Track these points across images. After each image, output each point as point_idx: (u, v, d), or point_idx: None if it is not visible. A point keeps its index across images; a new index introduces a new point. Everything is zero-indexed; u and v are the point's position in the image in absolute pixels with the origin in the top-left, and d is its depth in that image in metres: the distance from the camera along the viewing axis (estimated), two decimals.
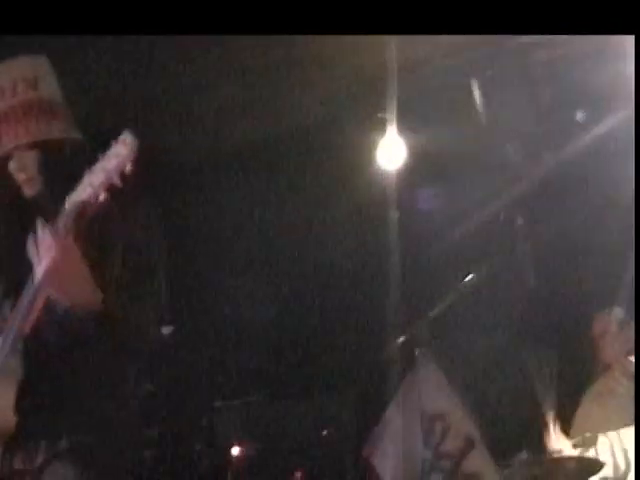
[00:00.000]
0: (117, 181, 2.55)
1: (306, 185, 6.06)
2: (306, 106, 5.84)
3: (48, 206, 2.83)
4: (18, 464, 2.83)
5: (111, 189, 2.58)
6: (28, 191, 2.95)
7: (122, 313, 2.78)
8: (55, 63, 3.04)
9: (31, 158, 2.91)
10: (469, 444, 4.78)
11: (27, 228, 2.85)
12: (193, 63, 5.22)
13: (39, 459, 2.82)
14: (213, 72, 5.36)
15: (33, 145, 2.90)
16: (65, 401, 2.83)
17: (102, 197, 2.58)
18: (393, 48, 5.05)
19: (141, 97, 5.51)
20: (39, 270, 2.68)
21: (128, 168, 2.53)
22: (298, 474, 5.52)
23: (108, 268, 2.87)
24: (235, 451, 5.52)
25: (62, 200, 2.75)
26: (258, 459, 5.57)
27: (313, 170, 5.95)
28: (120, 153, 2.55)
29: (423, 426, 4.83)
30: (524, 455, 4.54)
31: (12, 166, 2.93)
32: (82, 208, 2.64)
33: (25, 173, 2.93)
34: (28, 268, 2.74)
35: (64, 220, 2.66)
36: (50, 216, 2.79)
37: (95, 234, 2.84)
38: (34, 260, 2.70)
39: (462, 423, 4.81)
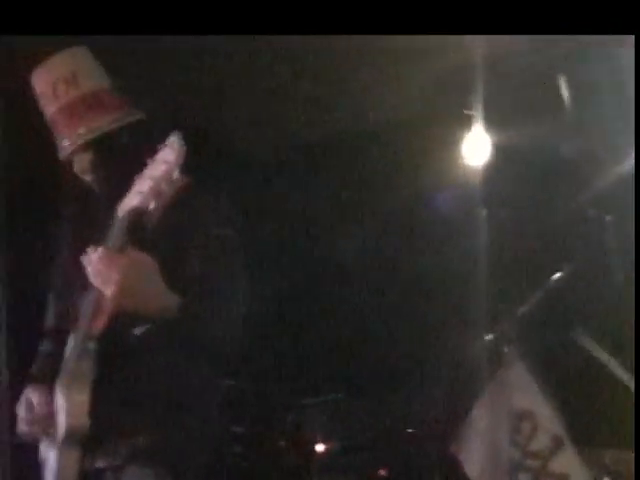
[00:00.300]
0: (165, 188, 2.54)
1: (392, 182, 6.06)
2: (392, 104, 5.83)
3: (112, 205, 2.83)
4: (99, 463, 2.86)
5: (160, 196, 2.56)
6: (97, 189, 3.00)
7: (202, 317, 2.74)
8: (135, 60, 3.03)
9: (89, 159, 2.93)
10: (558, 443, 4.72)
11: (96, 223, 2.92)
12: (280, 60, 5.25)
13: (119, 458, 2.84)
14: (299, 68, 5.38)
15: (86, 146, 2.90)
16: (143, 400, 2.84)
17: (152, 205, 2.57)
18: (480, 44, 5.02)
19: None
20: (107, 288, 2.63)
21: (176, 175, 2.52)
22: (383, 471, 5.52)
23: (185, 270, 2.83)
24: (320, 448, 5.54)
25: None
26: (343, 456, 5.58)
27: (399, 167, 5.95)
28: (168, 159, 2.52)
29: (511, 424, 4.79)
30: (613, 454, 4.49)
31: (76, 168, 2.98)
32: (133, 216, 2.65)
33: (88, 175, 2.96)
34: None
35: (116, 232, 2.67)
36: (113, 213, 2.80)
37: (165, 237, 2.84)
38: (97, 279, 2.66)
39: (550, 422, 4.75)
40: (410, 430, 5.45)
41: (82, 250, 2.95)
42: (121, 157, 2.90)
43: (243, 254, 2.95)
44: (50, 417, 2.88)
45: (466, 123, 5.56)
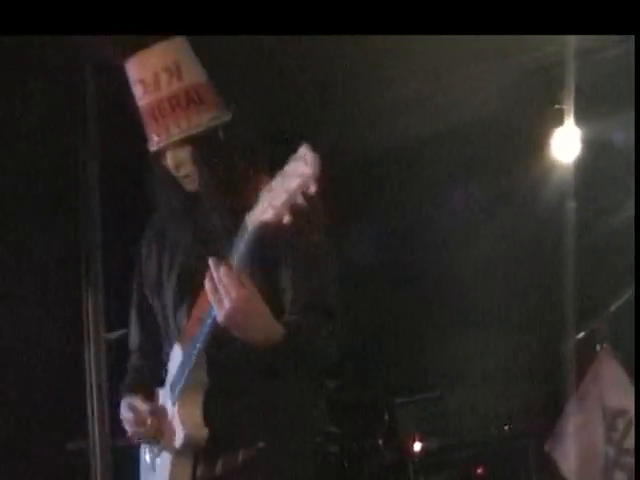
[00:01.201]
0: (301, 201, 2.30)
1: (483, 177, 6.04)
2: (483, 98, 5.82)
3: (210, 203, 2.81)
4: (210, 472, 2.85)
5: (295, 210, 2.32)
6: (188, 186, 2.89)
7: (304, 345, 2.68)
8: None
9: (186, 154, 2.84)
10: None
11: (191, 222, 2.89)
12: (370, 61, 5.28)
13: (225, 465, 2.84)
14: (392, 70, 5.40)
15: (186, 140, 2.81)
16: (250, 410, 2.82)
17: (287, 219, 2.33)
18: (570, 37, 4.97)
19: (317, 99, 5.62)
20: (220, 311, 2.52)
21: (312, 189, 2.29)
22: (479, 469, 5.51)
23: (283, 295, 2.79)
24: (417, 447, 5.55)
25: (222, 198, 2.75)
26: (439, 454, 5.58)
27: (490, 162, 5.93)
28: (303, 172, 2.28)
29: (605, 421, 4.76)
30: None
31: (169, 162, 2.87)
32: (264, 231, 2.42)
33: (182, 170, 2.86)
34: (201, 269, 2.60)
35: (244, 247, 2.48)
36: (212, 213, 2.80)
37: (268, 260, 2.73)
38: (212, 297, 2.52)
39: None
40: (505, 428, 5.42)
41: (174, 254, 2.99)
42: (218, 155, 2.83)
43: (335, 259, 2.88)
44: (157, 423, 2.91)
45: (557, 117, 5.51)
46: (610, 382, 4.78)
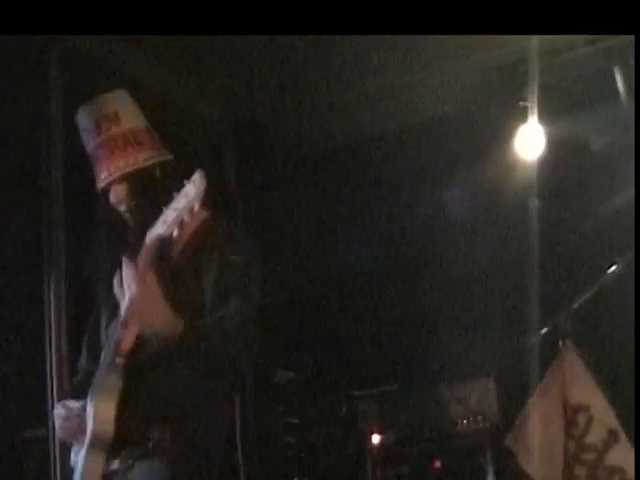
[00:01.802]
0: (187, 218, 2.84)
1: (445, 174, 6.06)
2: (447, 95, 5.84)
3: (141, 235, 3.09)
4: (115, 465, 3.02)
5: (182, 225, 2.86)
6: (129, 220, 3.22)
7: (204, 339, 2.95)
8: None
9: (124, 190, 3.17)
10: (613, 437, 4.72)
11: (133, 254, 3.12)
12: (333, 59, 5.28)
13: (131, 458, 3.02)
14: (355, 67, 5.41)
15: (122, 178, 3.14)
16: (160, 407, 3.03)
17: (175, 233, 2.87)
18: (535, 36, 5.00)
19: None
20: (123, 304, 2.98)
21: (196, 207, 2.82)
22: (437, 463, 5.52)
23: (195, 295, 3.09)
24: (375, 439, 5.56)
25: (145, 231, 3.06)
26: (397, 447, 5.59)
27: (453, 159, 5.95)
28: (189, 194, 2.83)
29: (566, 417, 4.79)
30: None
31: (112, 200, 3.20)
32: (158, 242, 2.93)
33: (122, 205, 3.19)
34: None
35: (143, 255, 2.95)
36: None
37: (186, 262, 3.10)
38: (119, 294, 3.04)
39: (605, 415, 4.74)
40: (465, 422, 5.43)
41: (116, 269, 3.20)
42: (153, 190, 3.15)
43: (258, 276, 3.17)
44: (81, 425, 3.06)
45: (521, 115, 5.54)
46: (572, 378, 4.81)
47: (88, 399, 3.04)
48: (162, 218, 2.89)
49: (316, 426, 5.79)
